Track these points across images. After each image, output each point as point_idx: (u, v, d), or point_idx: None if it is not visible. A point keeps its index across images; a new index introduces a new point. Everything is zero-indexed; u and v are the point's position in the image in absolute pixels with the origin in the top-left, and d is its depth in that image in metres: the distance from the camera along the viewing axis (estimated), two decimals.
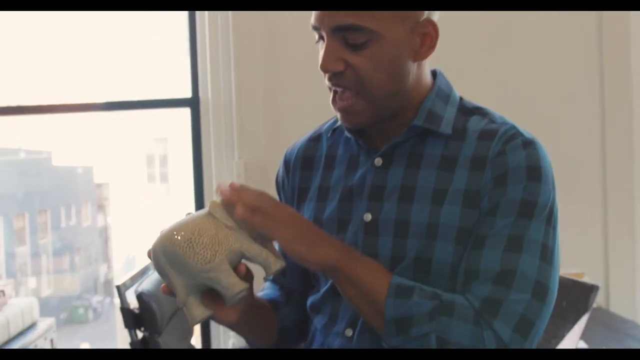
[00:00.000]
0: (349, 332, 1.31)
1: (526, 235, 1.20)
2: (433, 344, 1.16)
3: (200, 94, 3.22)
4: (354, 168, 1.36)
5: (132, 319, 2.10)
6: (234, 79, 3.12)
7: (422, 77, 1.31)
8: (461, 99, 1.36)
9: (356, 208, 1.32)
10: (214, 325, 3.27)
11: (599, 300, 2.81)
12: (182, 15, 3.24)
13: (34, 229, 11.43)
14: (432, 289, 1.20)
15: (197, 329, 3.19)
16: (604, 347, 2.21)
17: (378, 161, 1.32)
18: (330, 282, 1.31)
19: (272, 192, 1.50)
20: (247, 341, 1.47)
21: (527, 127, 1.29)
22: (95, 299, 12.65)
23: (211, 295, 1.18)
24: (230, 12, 3.04)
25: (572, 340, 1.93)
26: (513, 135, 1.24)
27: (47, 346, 3.43)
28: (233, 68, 3.12)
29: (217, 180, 3.16)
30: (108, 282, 13.07)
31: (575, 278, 2.04)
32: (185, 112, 3.30)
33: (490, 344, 1.14)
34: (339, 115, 1.30)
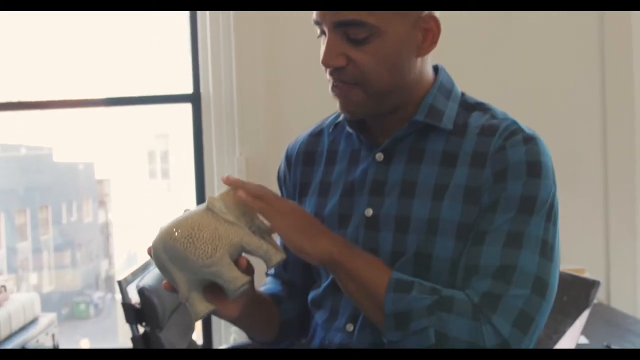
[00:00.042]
0: (349, 328, 1.31)
1: (526, 231, 1.19)
2: (432, 339, 1.16)
3: (202, 90, 3.22)
4: (356, 163, 1.36)
5: (133, 314, 2.10)
6: (235, 75, 3.12)
7: (424, 72, 1.31)
8: (463, 94, 1.36)
9: (357, 203, 1.33)
10: (215, 321, 3.28)
11: (599, 296, 2.81)
12: (184, 12, 3.24)
13: (35, 224, 11.44)
14: (432, 285, 1.20)
15: (198, 324, 3.19)
16: (604, 343, 2.21)
17: (379, 156, 1.32)
18: (331, 277, 1.32)
19: (274, 187, 1.51)
20: (249, 336, 1.47)
21: (530, 124, 1.29)
22: (97, 295, 12.66)
23: (212, 290, 1.18)
24: None
25: (573, 335, 1.93)
26: (514, 131, 1.24)
27: (49, 341, 3.43)
28: (234, 63, 3.12)
29: (219, 176, 3.16)
30: (109, 278, 13.07)
31: (576, 274, 2.04)
32: (187, 108, 3.30)
33: (489, 339, 1.14)
34: (338, 103, 1.29)
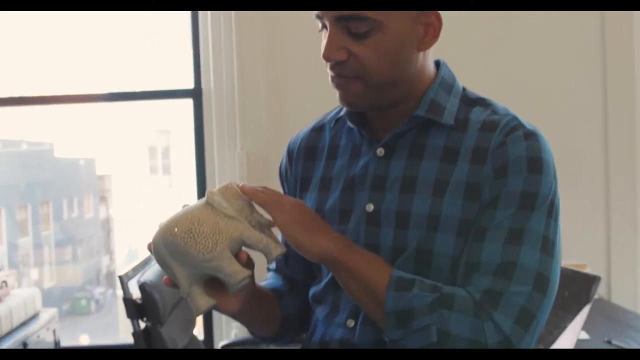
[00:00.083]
0: (350, 323, 1.31)
1: (527, 227, 1.19)
2: (434, 337, 1.15)
3: (203, 85, 3.22)
4: (357, 158, 1.36)
5: (134, 310, 2.10)
6: (236, 70, 3.12)
7: (425, 67, 1.30)
8: (464, 89, 1.36)
9: (358, 198, 1.32)
10: (216, 316, 3.28)
11: (600, 292, 2.82)
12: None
13: (36, 220, 11.44)
14: (432, 282, 1.20)
15: (199, 319, 3.20)
16: (605, 338, 2.21)
17: (380, 151, 1.32)
18: (331, 273, 1.32)
19: (275, 182, 1.51)
20: (250, 331, 1.47)
21: (532, 123, 1.29)
22: (98, 291, 12.67)
23: (213, 284, 1.18)
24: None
25: (573, 331, 1.93)
26: (515, 126, 1.24)
27: (50, 336, 3.44)
28: (235, 59, 3.12)
29: (220, 171, 3.17)
30: (110, 274, 13.08)
31: (577, 269, 2.04)
32: (188, 104, 3.30)
33: (490, 336, 1.14)
34: (337, 94, 1.29)
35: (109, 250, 13.63)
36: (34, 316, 3.47)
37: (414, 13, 1.23)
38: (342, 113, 1.41)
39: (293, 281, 1.48)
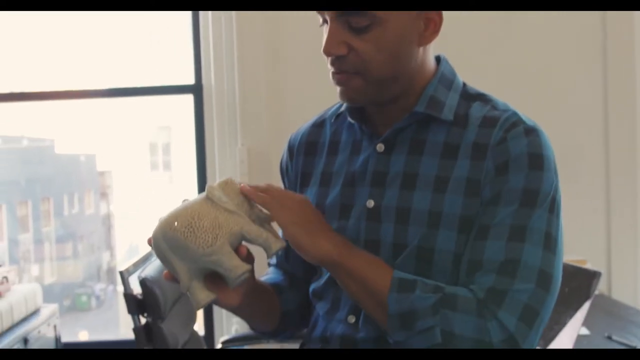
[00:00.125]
0: (351, 319, 1.31)
1: (529, 224, 1.19)
2: (438, 338, 1.15)
3: (204, 81, 3.22)
4: (357, 153, 1.36)
5: (135, 305, 2.10)
6: (237, 65, 3.12)
7: (425, 62, 1.30)
8: (464, 84, 1.36)
9: (359, 194, 1.32)
10: (216, 312, 3.29)
11: (601, 287, 2.82)
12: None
13: (36, 216, 11.43)
14: (434, 283, 1.20)
15: (199, 315, 3.20)
16: (605, 334, 2.21)
17: (380, 147, 1.32)
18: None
19: (276, 178, 1.51)
20: (250, 326, 1.48)
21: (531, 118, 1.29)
22: (98, 287, 12.65)
23: (213, 279, 1.18)
24: None
25: (574, 327, 1.93)
26: (515, 122, 1.24)
27: (51, 332, 3.44)
28: (236, 54, 3.12)
29: (220, 167, 3.17)
30: (111, 270, 13.06)
31: (577, 265, 2.04)
32: (189, 100, 3.30)
33: (495, 334, 1.14)
34: (338, 90, 1.29)
35: (109, 247, 13.61)
36: (35, 312, 3.47)
37: None
38: (342, 109, 1.42)
39: (293, 276, 1.48)
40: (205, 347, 2.59)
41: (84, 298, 12.40)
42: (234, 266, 1.14)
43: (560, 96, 3.11)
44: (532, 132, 1.23)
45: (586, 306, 1.92)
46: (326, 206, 1.35)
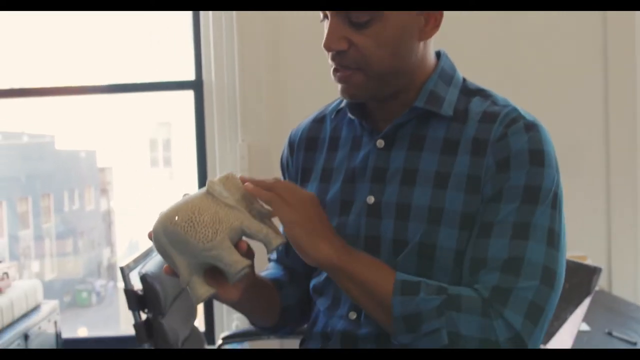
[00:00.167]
0: (352, 315, 1.31)
1: (532, 221, 1.19)
2: (444, 339, 1.15)
3: (204, 77, 3.22)
4: (357, 149, 1.36)
5: (136, 301, 2.10)
6: (237, 61, 3.12)
7: (426, 57, 1.30)
8: (464, 80, 1.35)
9: (359, 190, 1.32)
10: (217, 307, 3.29)
11: (601, 283, 2.82)
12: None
13: (37, 212, 11.42)
14: (438, 283, 1.19)
15: (200, 311, 3.20)
16: (606, 330, 2.21)
17: (380, 143, 1.31)
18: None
19: (276, 173, 1.51)
20: (250, 321, 1.48)
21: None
22: (99, 283, 12.65)
23: (213, 274, 1.18)
24: None
25: (574, 322, 1.93)
26: (515, 118, 1.23)
27: (51, 328, 3.44)
28: (236, 50, 3.12)
29: (221, 163, 3.17)
30: (111, 266, 13.06)
31: (578, 261, 2.04)
32: (189, 96, 3.30)
33: (501, 333, 1.14)
34: (338, 87, 1.29)
35: (109, 243, 13.61)
36: (35, 308, 3.48)
37: None
38: (342, 105, 1.41)
39: (293, 271, 1.48)
40: (205, 343, 2.58)
41: (85, 294, 12.40)
42: (234, 261, 1.14)
43: (561, 95, 3.12)
44: (532, 128, 1.23)
45: (586, 302, 1.92)
46: (326, 202, 1.35)
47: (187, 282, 1.17)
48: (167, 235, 1.15)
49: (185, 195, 1.21)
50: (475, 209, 1.22)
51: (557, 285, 1.19)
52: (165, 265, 1.21)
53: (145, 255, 2.29)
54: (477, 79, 1.38)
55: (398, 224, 1.26)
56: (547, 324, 1.20)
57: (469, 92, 1.32)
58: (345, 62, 1.24)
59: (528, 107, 1.29)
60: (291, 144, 1.49)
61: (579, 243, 2.78)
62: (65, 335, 3.63)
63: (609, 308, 2.54)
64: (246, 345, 2.88)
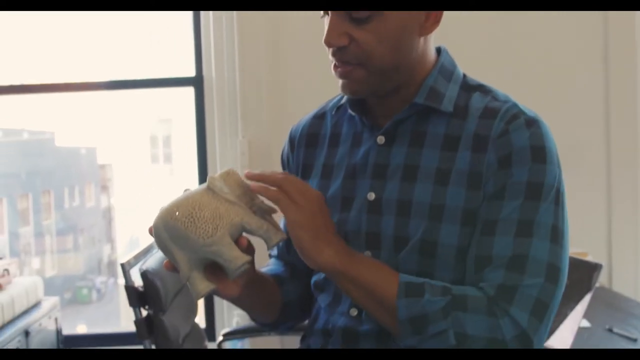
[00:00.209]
0: (353, 312, 1.31)
1: (536, 218, 1.19)
2: (452, 340, 1.15)
3: (204, 73, 3.22)
4: (358, 145, 1.36)
5: (136, 297, 2.10)
6: (237, 57, 3.12)
7: (426, 53, 1.30)
8: (465, 76, 1.35)
9: (360, 186, 1.32)
10: (218, 304, 3.29)
11: (601, 280, 2.81)
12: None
13: (37, 209, 11.42)
14: (442, 284, 1.19)
15: (201, 307, 3.20)
16: (606, 326, 2.21)
17: (381, 139, 1.31)
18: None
19: (277, 169, 1.50)
20: (251, 317, 1.48)
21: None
22: (99, 280, 12.65)
23: (213, 269, 1.18)
24: None
25: (574, 319, 1.94)
26: (516, 114, 1.23)
27: (52, 325, 3.44)
28: (237, 46, 3.12)
29: (221, 159, 3.17)
30: (112, 263, 13.06)
31: (578, 257, 2.04)
32: (189, 93, 3.30)
33: (507, 331, 1.14)
34: (339, 83, 1.29)
35: (110, 239, 13.61)
36: (36, 304, 3.48)
37: None
38: (343, 101, 1.41)
39: (294, 267, 1.48)
40: (206, 339, 2.58)
41: (85, 291, 12.40)
42: (234, 257, 1.14)
43: (562, 95, 3.13)
44: (533, 124, 1.22)
45: (587, 298, 1.92)
46: (327, 198, 1.35)
47: (187, 278, 1.17)
48: (168, 230, 1.15)
49: (186, 190, 1.21)
50: (476, 205, 1.22)
51: (561, 281, 1.19)
52: (165, 261, 1.20)
53: (146, 251, 2.29)
54: (477, 79, 1.38)
55: (399, 221, 1.26)
56: (552, 321, 1.20)
57: (469, 87, 1.32)
58: (346, 58, 1.23)
59: (529, 106, 1.29)
60: (292, 141, 1.49)
61: (579, 240, 2.76)
62: (66, 332, 3.63)
63: (610, 304, 2.54)
64: (247, 341, 2.88)
